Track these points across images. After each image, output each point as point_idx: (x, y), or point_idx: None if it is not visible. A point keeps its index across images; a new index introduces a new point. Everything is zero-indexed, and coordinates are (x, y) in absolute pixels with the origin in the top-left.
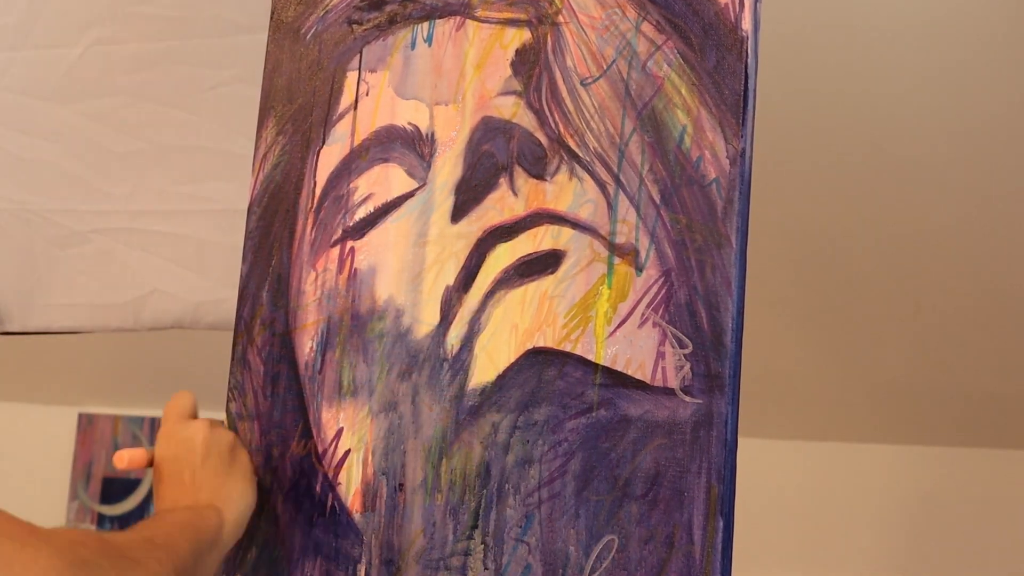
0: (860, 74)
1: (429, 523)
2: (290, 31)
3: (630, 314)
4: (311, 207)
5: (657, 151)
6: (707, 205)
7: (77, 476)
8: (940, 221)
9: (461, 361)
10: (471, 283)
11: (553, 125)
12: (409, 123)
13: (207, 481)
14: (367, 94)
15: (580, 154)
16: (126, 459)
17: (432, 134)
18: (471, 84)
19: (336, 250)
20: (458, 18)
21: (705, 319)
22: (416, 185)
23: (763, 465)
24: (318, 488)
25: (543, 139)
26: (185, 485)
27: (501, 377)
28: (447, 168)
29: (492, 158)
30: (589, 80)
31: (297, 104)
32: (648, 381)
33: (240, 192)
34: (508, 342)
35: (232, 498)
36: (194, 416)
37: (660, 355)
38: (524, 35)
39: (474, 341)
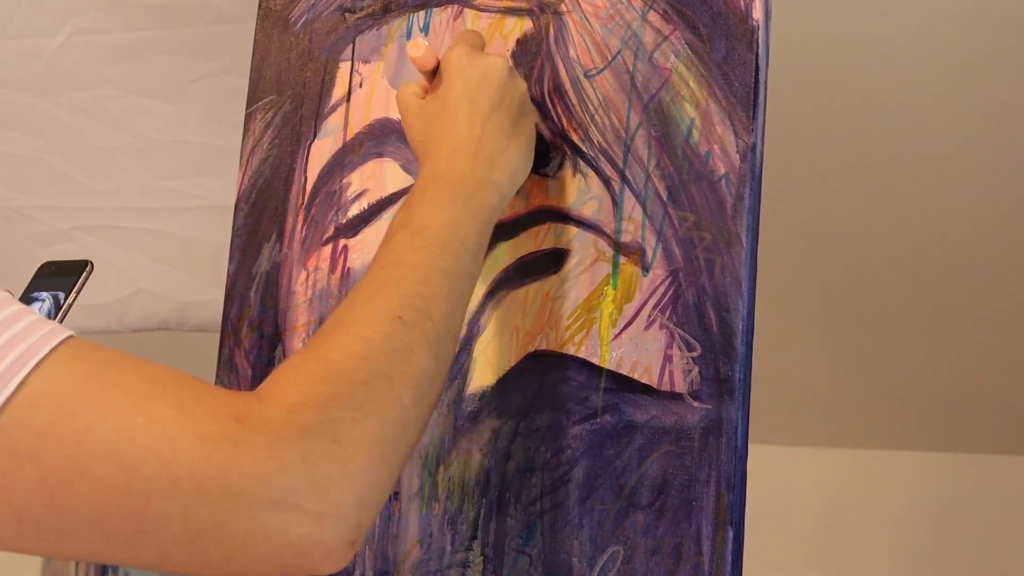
0: (877, 66)
1: (426, 533)
2: (279, 20)
3: (636, 316)
4: (302, 203)
5: (664, 146)
6: (716, 202)
7: None
8: (959, 219)
9: (459, 364)
10: None
11: (556, 119)
12: None
13: (490, 138)
14: (360, 86)
15: (584, 149)
16: (422, 48)
17: None
18: None
19: (328, 248)
20: (456, 7)
21: (714, 321)
22: (412, 181)
23: (774, 472)
24: None
25: (545, 133)
26: (460, 138)
27: (501, 381)
28: None
29: None
30: (593, 72)
31: (287, 96)
32: (655, 385)
33: (227, 188)
34: (509, 345)
35: (512, 166)
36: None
37: (667, 358)
38: (525, 25)
39: (473, 344)
